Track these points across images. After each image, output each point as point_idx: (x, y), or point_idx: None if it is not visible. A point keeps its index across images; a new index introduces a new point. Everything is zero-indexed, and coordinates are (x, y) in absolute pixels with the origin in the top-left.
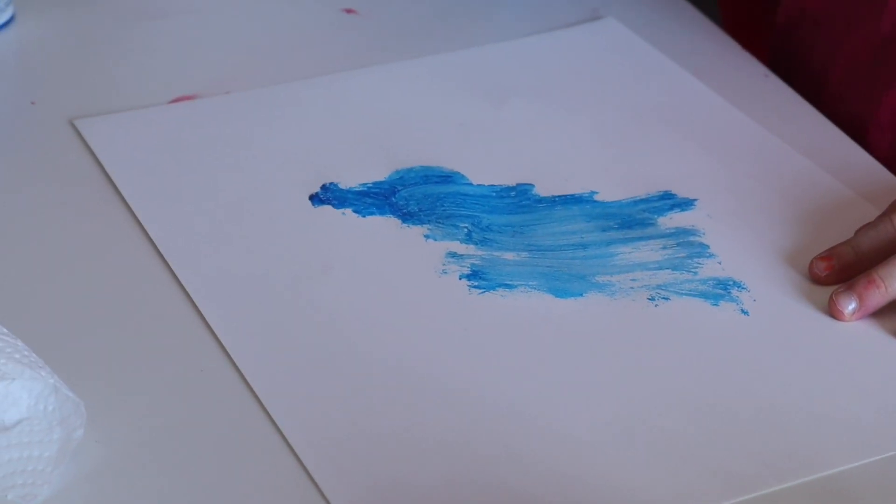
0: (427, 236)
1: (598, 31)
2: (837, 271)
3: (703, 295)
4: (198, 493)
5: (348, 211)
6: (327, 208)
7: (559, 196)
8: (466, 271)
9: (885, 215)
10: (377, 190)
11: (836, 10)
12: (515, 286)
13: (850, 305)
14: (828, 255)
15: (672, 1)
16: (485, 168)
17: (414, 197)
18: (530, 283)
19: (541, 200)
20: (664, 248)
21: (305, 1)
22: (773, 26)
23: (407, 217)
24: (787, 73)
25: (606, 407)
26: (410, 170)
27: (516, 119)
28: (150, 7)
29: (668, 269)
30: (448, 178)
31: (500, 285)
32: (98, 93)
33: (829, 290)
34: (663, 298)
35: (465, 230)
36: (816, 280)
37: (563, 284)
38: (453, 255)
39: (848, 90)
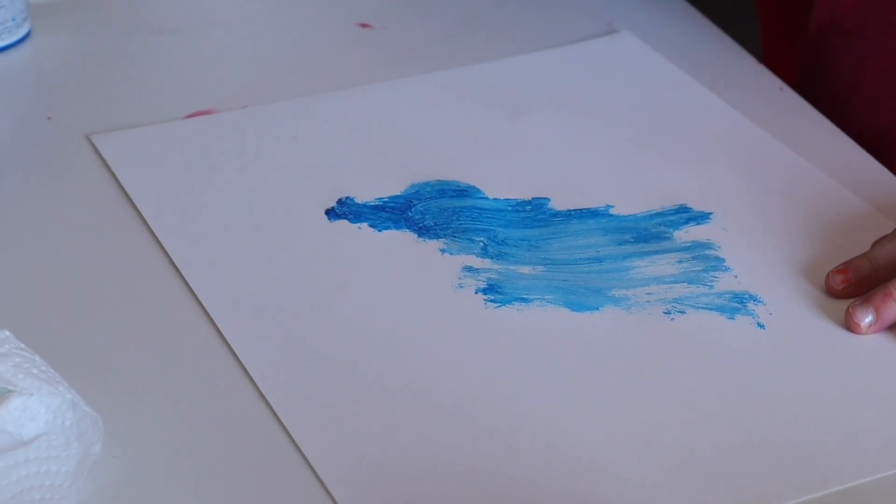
0: (443, 250)
1: (613, 44)
2: (854, 284)
3: (719, 308)
4: None
5: (364, 225)
6: (343, 223)
7: (575, 210)
8: (482, 285)
9: None
10: (393, 204)
11: (867, 20)
12: (531, 300)
13: (866, 318)
14: (844, 269)
15: (687, 14)
16: (500, 182)
17: (430, 211)
18: (546, 296)
19: (556, 214)
20: (680, 261)
21: (320, 16)
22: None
23: (423, 231)
24: (817, 83)
25: (622, 420)
26: (426, 184)
27: (532, 133)
28: (165, 22)
29: (683, 282)
30: (464, 192)
31: (516, 299)
32: (114, 108)
33: (845, 303)
34: (679, 312)
35: (481, 244)
36: (833, 293)
37: (579, 298)
38: (469, 269)
39: (878, 100)
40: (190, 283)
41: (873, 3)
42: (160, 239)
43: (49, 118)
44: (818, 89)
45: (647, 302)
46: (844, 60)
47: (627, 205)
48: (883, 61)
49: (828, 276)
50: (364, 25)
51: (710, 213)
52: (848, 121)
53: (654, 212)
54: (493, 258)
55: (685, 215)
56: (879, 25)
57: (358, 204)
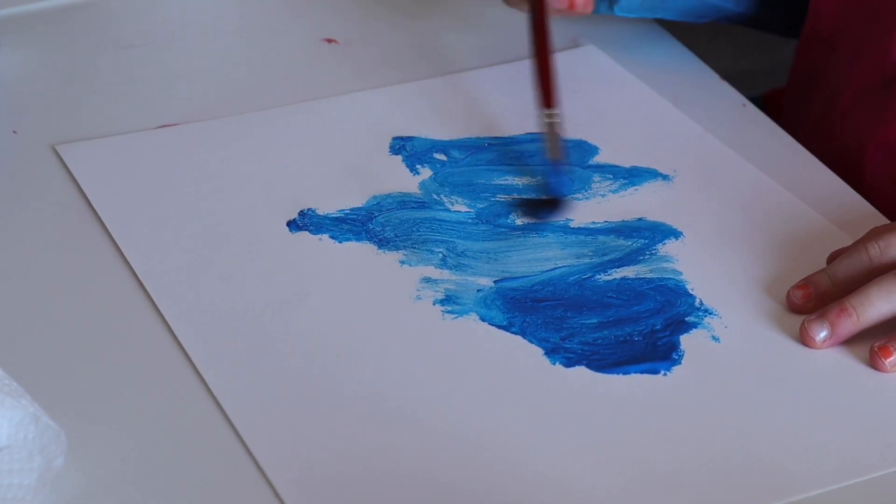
0: (402, 262)
1: (578, 58)
2: (815, 300)
3: None
4: None
5: (325, 237)
6: (304, 234)
7: (534, 223)
8: (440, 296)
9: (860, 243)
10: (354, 216)
11: (846, 31)
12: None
13: (821, 333)
14: (804, 284)
15: (652, 30)
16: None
17: (390, 223)
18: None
19: (516, 227)
20: (638, 274)
21: (287, 31)
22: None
23: (383, 243)
24: (803, 94)
25: (578, 433)
26: (387, 196)
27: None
28: (132, 36)
29: None
30: (424, 204)
31: (473, 310)
32: (80, 123)
33: (801, 317)
34: None
35: (441, 255)
36: (794, 309)
37: None
38: (428, 280)
39: (855, 111)
40: (152, 295)
41: (853, 14)
42: (122, 249)
43: (14, 132)
44: (804, 100)
45: None
46: (827, 72)
47: (586, 218)
48: (861, 73)
49: (789, 292)
50: (330, 41)
51: (670, 227)
52: (825, 135)
53: (613, 225)
54: (451, 269)
55: (644, 228)
56: (857, 37)
57: (319, 215)
